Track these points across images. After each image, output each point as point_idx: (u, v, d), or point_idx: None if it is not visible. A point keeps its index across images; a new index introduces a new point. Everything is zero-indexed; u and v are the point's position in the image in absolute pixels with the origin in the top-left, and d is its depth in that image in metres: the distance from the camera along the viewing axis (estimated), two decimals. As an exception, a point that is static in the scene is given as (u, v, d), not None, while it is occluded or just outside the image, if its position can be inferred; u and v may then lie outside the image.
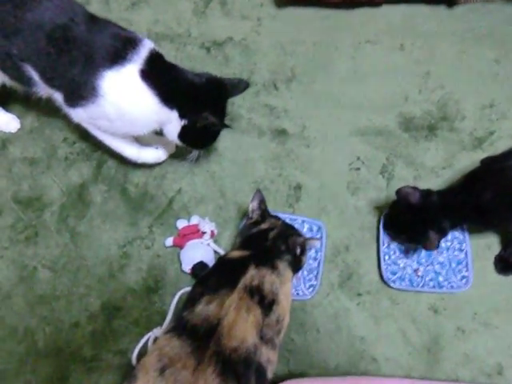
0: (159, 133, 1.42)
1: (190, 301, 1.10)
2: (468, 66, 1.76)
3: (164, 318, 1.38)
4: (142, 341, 1.34)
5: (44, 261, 1.49)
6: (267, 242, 1.22)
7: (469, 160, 1.59)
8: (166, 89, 1.29)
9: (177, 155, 1.62)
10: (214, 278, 1.12)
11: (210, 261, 1.43)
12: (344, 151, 1.63)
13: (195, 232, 1.47)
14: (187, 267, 1.41)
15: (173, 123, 1.35)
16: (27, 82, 1.35)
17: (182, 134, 1.37)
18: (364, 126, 1.67)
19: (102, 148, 1.64)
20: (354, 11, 1.88)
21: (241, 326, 1.01)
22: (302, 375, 1.27)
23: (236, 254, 1.19)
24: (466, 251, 1.41)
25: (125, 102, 1.28)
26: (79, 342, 1.37)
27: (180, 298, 1.40)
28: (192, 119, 1.32)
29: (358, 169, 1.60)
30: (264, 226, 1.27)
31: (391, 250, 1.45)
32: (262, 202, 1.31)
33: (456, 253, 1.43)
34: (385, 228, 1.41)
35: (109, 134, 1.45)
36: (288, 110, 1.71)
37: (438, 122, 1.67)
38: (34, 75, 1.31)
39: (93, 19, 1.28)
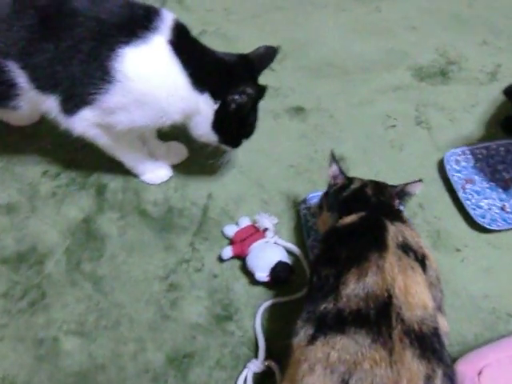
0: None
1: (319, 291, 0.79)
2: (448, 15, 1.72)
3: (255, 347, 1.01)
4: (240, 382, 0.95)
5: (65, 326, 1.04)
6: (372, 199, 0.95)
7: (490, 93, 1.48)
8: (198, 69, 1.00)
9: (192, 159, 1.29)
10: (343, 251, 0.82)
11: (286, 258, 1.09)
12: (371, 113, 1.43)
13: (254, 233, 1.13)
14: (263, 274, 1.06)
15: (203, 113, 1.04)
16: (6, 91, 0.97)
17: (217, 122, 1.05)
18: (379, 85, 1.50)
19: (98, 170, 1.26)
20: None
21: (415, 288, 0.75)
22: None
23: (351, 217, 0.89)
24: (544, 179, 1.25)
25: (150, 82, 0.97)
26: (155, 414, 0.93)
27: (262, 315, 1.04)
28: (227, 98, 1.02)
29: (394, 126, 1.40)
30: (355, 185, 1.00)
31: (468, 194, 1.25)
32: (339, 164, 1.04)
33: (534, 182, 1.25)
34: None
35: (121, 142, 1.10)
36: (293, 88, 1.49)
37: (446, 66, 1.55)
38: (21, 77, 0.94)
39: None
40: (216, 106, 1.03)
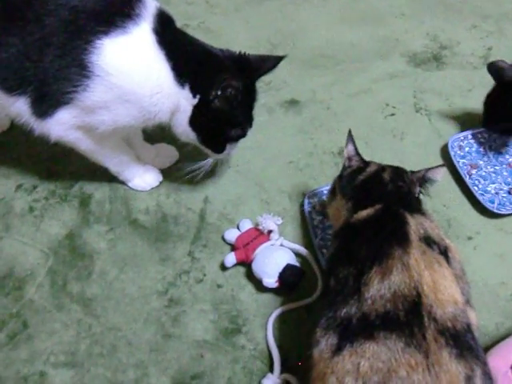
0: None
1: (338, 294, 0.71)
2: (435, 1, 1.65)
3: (269, 360, 0.89)
4: (259, 405, 0.83)
5: (53, 357, 0.90)
6: (389, 186, 0.86)
7: (485, 77, 1.39)
8: (181, 61, 0.88)
9: (183, 161, 1.17)
10: (362, 248, 0.73)
11: (294, 261, 0.97)
12: (368, 102, 1.34)
13: (258, 236, 1.01)
14: (272, 280, 0.94)
15: (182, 108, 0.92)
16: None
17: (196, 119, 0.92)
18: (374, 74, 1.41)
19: (80, 179, 1.12)
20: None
21: (444, 284, 0.68)
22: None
23: (367, 211, 0.80)
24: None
25: (133, 77, 0.84)
26: None
27: (273, 324, 0.92)
28: (210, 93, 0.89)
29: (393, 114, 1.31)
30: (371, 169, 0.90)
31: (475, 180, 1.17)
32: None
33: (539, 164, 1.18)
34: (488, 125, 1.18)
35: (105, 145, 0.97)
36: (286, 80, 1.38)
37: (439, 51, 1.48)
38: None
39: None
40: (195, 101, 0.90)
